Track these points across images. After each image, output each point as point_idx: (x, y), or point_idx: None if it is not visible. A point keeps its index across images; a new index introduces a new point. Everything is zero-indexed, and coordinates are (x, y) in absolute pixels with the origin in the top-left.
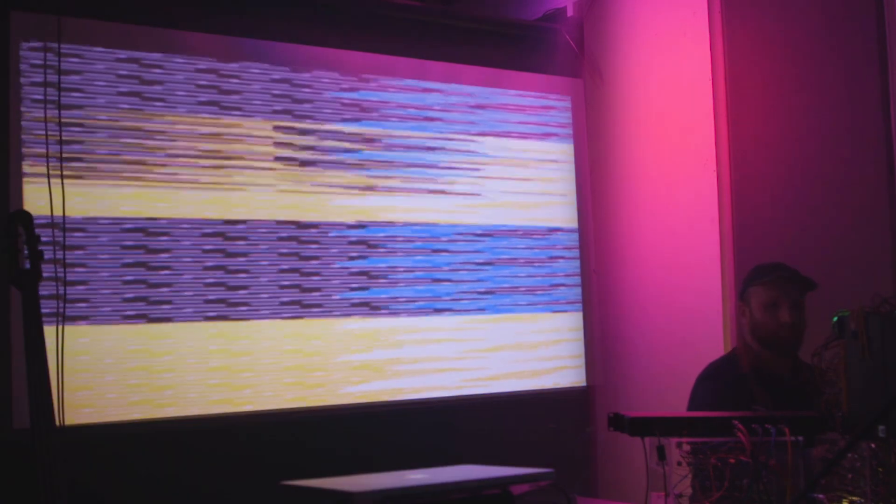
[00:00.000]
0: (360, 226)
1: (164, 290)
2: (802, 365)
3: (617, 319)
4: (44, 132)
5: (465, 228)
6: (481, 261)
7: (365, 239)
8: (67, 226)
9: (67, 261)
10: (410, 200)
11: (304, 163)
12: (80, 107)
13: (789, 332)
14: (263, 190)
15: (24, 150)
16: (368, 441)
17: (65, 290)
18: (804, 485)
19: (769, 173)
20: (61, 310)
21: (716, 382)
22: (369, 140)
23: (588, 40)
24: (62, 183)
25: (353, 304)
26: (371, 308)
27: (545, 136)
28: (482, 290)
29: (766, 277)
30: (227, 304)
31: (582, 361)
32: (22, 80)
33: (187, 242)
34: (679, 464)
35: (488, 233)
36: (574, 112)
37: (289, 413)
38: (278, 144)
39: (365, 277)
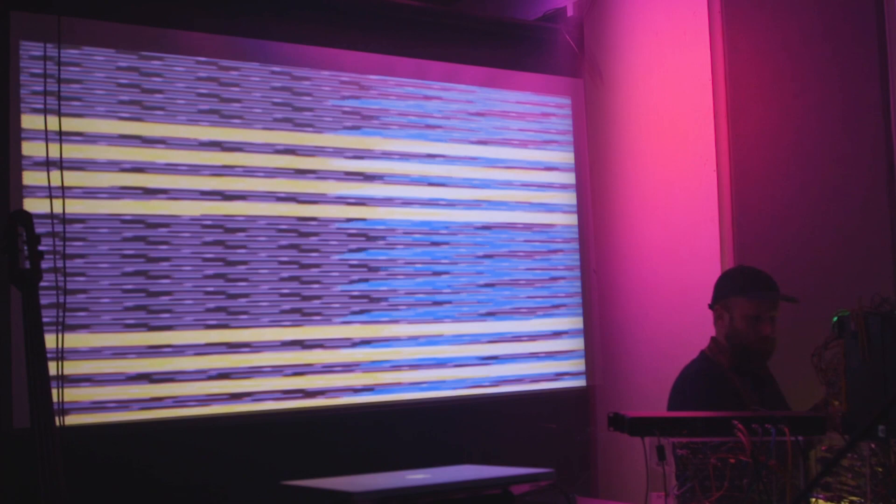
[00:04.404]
0: (361, 233)
1: (165, 298)
2: None
3: (617, 319)
4: (44, 133)
5: (466, 229)
6: (482, 261)
7: (365, 245)
8: (67, 230)
9: (67, 265)
10: (410, 204)
11: (305, 168)
12: (79, 107)
13: (767, 346)
14: (264, 195)
15: (24, 151)
16: (368, 441)
17: (65, 293)
18: (804, 485)
19: (769, 173)
20: (62, 303)
21: (703, 380)
22: (369, 144)
23: (588, 40)
24: (62, 186)
25: (353, 312)
26: (371, 312)
27: (545, 135)
28: (483, 291)
29: (753, 292)
30: (227, 312)
31: (582, 362)
32: (22, 80)
33: (188, 251)
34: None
35: (489, 227)
36: (574, 112)
37: (289, 413)
38: (278, 149)
39: (365, 284)
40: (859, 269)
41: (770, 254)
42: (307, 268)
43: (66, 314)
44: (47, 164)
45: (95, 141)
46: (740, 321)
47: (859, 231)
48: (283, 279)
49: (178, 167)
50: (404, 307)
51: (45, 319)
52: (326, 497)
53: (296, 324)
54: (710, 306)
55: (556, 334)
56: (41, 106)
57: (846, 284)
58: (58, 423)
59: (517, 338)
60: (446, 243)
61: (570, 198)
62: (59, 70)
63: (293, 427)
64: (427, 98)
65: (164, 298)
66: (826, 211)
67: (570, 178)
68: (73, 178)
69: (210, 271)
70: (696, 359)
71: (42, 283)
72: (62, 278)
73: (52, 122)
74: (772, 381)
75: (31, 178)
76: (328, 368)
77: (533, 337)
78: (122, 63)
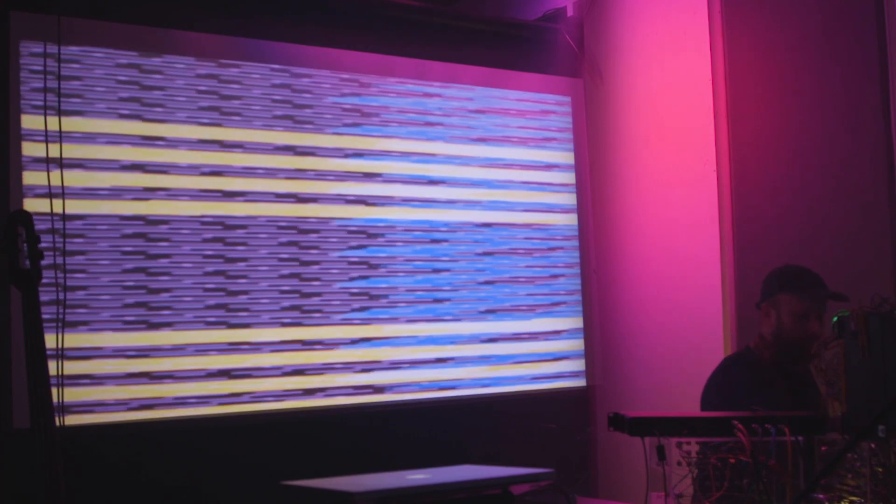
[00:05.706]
0: (361, 230)
1: (165, 294)
2: None
3: (617, 320)
4: (44, 132)
5: (466, 227)
6: (482, 261)
7: (365, 243)
8: (67, 230)
9: (67, 265)
10: (410, 203)
11: (305, 167)
12: (79, 106)
13: (814, 344)
14: (263, 195)
15: (24, 151)
16: (368, 441)
17: (65, 293)
18: (804, 485)
19: (769, 173)
20: (62, 302)
21: (744, 366)
22: (369, 144)
23: (588, 40)
24: (62, 185)
25: (354, 308)
26: (371, 310)
27: (545, 135)
28: (483, 290)
29: (802, 289)
30: (227, 312)
31: (582, 362)
32: (22, 80)
33: (187, 250)
34: (679, 463)
35: (489, 231)
36: (574, 112)
37: (289, 413)
38: (278, 148)
39: (365, 281)
40: (859, 269)
41: (770, 254)
42: (307, 265)
43: (66, 313)
44: (47, 163)
45: (95, 140)
46: (787, 318)
47: (859, 231)
48: (283, 276)
49: (178, 166)
50: (404, 305)
51: (44, 318)
52: (326, 497)
53: (296, 323)
54: (758, 305)
55: (556, 334)
56: (41, 106)
57: (846, 284)
58: (58, 423)
59: (517, 337)
60: (446, 241)
61: (570, 198)
62: (59, 70)
63: (293, 427)
64: (427, 97)
65: (165, 303)
66: (826, 211)
67: (569, 177)
68: (72, 178)
69: (210, 271)
70: (739, 351)
71: (42, 283)
72: (62, 278)
73: (52, 122)
74: (813, 384)
75: (31, 178)
76: (328, 367)
77: (533, 337)
78: (122, 63)
